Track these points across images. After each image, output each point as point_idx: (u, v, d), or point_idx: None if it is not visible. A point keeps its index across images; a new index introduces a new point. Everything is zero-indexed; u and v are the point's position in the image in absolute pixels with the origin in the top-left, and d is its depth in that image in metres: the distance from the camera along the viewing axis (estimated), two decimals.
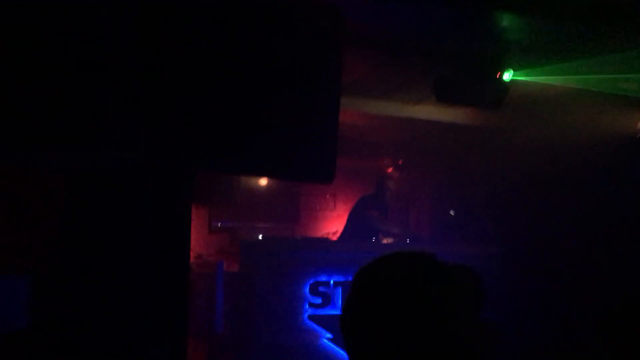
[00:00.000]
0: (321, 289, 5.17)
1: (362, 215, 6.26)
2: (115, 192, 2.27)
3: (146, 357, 2.41)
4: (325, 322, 5.13)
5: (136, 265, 2.34)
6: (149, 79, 2.17)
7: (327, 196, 8.42)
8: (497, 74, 4.37)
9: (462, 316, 1.08)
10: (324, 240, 5.77)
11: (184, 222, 2.36)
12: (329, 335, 5.11)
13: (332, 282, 5.22)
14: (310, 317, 5.10)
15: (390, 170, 8.18)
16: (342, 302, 5.21)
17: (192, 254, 6.03)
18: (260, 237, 5.83)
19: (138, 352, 2.39)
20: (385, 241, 5.95)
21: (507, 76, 4.35)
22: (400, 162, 8.00)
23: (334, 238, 6.15)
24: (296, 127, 2.64)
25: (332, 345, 5.08)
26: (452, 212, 6.49)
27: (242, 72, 2.49)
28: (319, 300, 5.14)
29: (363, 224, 6.20)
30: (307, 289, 5.13)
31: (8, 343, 2.39)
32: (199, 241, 6.13)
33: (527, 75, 4.38)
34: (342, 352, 5.16)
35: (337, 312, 5.20)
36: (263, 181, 7.52)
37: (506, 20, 3.83)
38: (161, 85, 2.23)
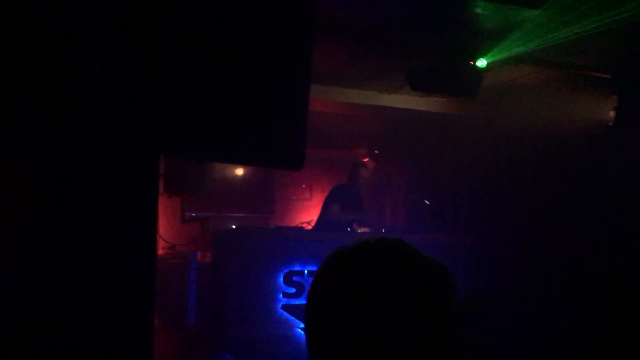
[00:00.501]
0: (295, 278, 5.13)
1: (325, 207, 6.22)
2: (78, 178, 2.20)
3: (112, 348, 2.36)
4: (299, 311, 5.10)
5: (101, 254, 2.28)
6: (112, 62, 2.10)
7: (303, 186, 8.39)
8: (470, 61, 4.36)
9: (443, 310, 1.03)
10: (298, 230, 5.72)
11: (151, 208, 2.30)
12: (303, 325, 5.09)
13: (306, 271, 5.19)
14: (284, 307, 5.07)
15: (366, 159, 8.19)
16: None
17: (165, 245, 5.96)
18: (233, 226, 5.77)
19: (104, 342, 2.33)
20: (360, 230, 5.93)
21: (481, 63, 4.35)
22: (376, 152, 8.00)
23: (309, 227, 6.11)
24: (265, 113, 2.59)
25: None
26: (426, 202, 6.50)
27: (208, 57, 2.43)
28: (292, 290, 5.11)
29: (325, 215, 6.16)
30: (280, 279, 5.09)
31: None
32: (172, 231, 6.07)
33: (499, 61, 4.37)
34: None
35: None
36: (239, 171, 7.45)
37: (479, 8, 3.81)
38: (125, 68, 2.17)
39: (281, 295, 5.08)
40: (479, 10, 3.88)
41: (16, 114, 1.92)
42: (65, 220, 2.22)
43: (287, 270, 5.12)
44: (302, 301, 5.12)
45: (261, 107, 2.58)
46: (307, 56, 2.81)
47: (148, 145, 2.16)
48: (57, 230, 2.22)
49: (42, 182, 2.21)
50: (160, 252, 5.95)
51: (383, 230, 6.13)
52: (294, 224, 6.65)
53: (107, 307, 2.29)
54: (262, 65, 2.60)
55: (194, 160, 4.57)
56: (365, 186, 6.39)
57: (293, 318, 5.07)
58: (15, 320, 2.30)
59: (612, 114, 5.13)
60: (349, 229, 5.93)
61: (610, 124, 5.10)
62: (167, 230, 5.82)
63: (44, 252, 2.22)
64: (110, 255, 2.27)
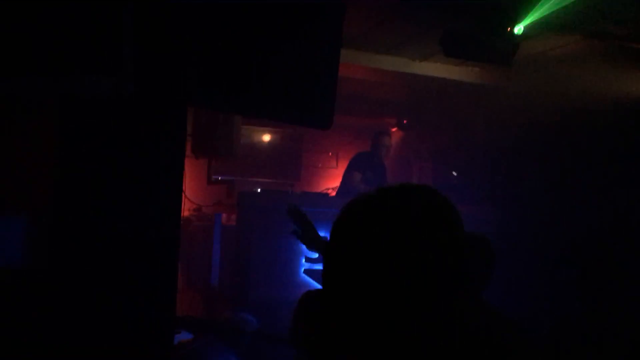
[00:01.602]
0: None
1: (347, 175, 6.19)
2: (108, 123, 2.21)
3: (135, 303, 2.39)
4: (321, 277, 5.11)
5: (129, 199, 2.30)
6: (144, 8, 2.09)
7: (330, 154, 8.35)
8: (507, 28, 4.22)
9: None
10: (323, 195, 5.70)
11: (178, 157, 2.30)
12: None
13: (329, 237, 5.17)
14: (306, 272, 5.08)
15: (394, 129, 8.10)
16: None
17: (191, 206, 6.01)
18: (259, 190, 5.78)
19: (127, 298, 2.36)
20: None
21: (518, 29, 4.20)
22: (404, 122, 7.90)
23: (334, 194, 6.09)
24: (295, 70, 2.57)
25: None
26: (454, 173, 6.41)
27: (244, 14, 2.40)
28: (315, 255, 5.11)
29: (346, 183, 6.13)
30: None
31: (3, 281, 2.36)
32: (198, 193, 6.10)
33: (537, 28, 4.21)
34: None
35: None
36: (266, 137, 7.44)
37: None
38: (156, 15, 2.15)
39: (304, 260, 5.09)
40: None
41: (48, 54, 1.92)
42: (94, 165, 2.23)
43: None
44: None
45: (292, 63, 2.55)
46: (339, 16, 2.76)
47: (176, 93, 2.15)
48: (85, 174, 2.23)
49: (73, 126, 2.22)
50: (186, 213, 6.01)
51: None
52: (319, 191, 6.64)
53: (130, 256, 2.30)
54: (294, 22, 2.56)
55: (221, 111, 4.54)
56: (387, 155, 6.33)
57: (315, 282, 5.08)
58: (42, 269, 2.34)
59: None
60: None
61: None
62: (193, 191, 5.85)
63: (72, 197, 2.24)
64: (136, 203, 2.29)
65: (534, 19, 4.10)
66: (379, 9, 4.68)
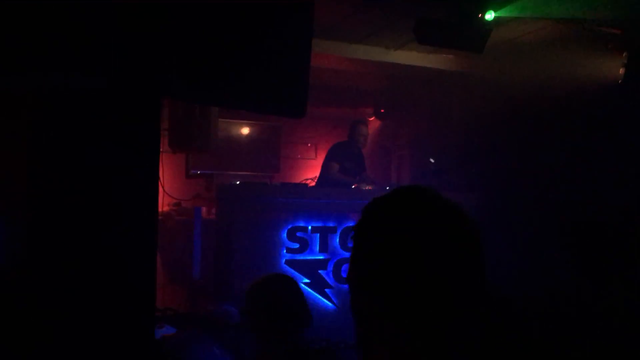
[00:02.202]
0: (299, 234, 5.16)
1: (326, 165, 6.23)
2: (82, 118, 2.19)
3: (113, 301, 2.38)
4: (302, 267, 5.15)
5: (104, 194, 2.29)
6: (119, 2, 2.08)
7: (309, 145, 8.38)
8: (479, 14, 4.27)
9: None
10: (302, 186, 5.73)
11: (153, 151, 2.29)
12: (306, 280, 5.14)
13: (309, 227, 5.21)
14: (288, 262, 5.11)
15: (371, 118, 8.14)
16: (318, 247, 5.23)
17: (170, 201, 5.99)
18: (237, 182, 5.78)
19: (105, 294, 2.35)
20: (366, 187, 5.94)
21: (490, 16, 4.26)
22: (382, 110, 7.95)
23: (314, 184, 6.12)
24: (268, 59, 2.57)
25: (309, 290, 5.12)
26: (432, 160, 6.47)
27: (216, 5, 2.40)
28: (296, 246, 5.14)
29: (325, 174, 6.17)
30: (284, 235, 5.12)
31: None
32: (177, 187, 6.08)
33: (509, 13, 4.27)
34: (319, 296, 5.20)
35: (314, 257, 5.21)
36: (244, 130, 7.43)
37: None
38: (129, 7, 2.14)
39: (285, 251, 5.12)
40: None
41: (19, 48, 1.90)
42: (67, 161, 2.22)
43: (290, 226, 5.15)
44: (305, 256, 5.16)
45: (264, 52, 2.55)
46: (310, 3, 2.76)
47: (150, 85, 2.14)
48: (58, 171, 2.22)
49: (45, 121, 2.20)
50: (165, 208, 5.98)
51: (387, 188, 6.12)
52: (298, 181, 6.66)
53: (108, 251, 2.30)
54: (265, 11, 2.57)
55: (196, 103, 4.54)
56: (365, 143, 6.37)
57: (297, 273, 5.12)
58: (18, 268, 2.32)
59: (621, 71, 5.04)
60: (353, 186, 5.94)
61: (620, 81, 5.01)
62: (171, 186, 5.83)
63: (46, 194, 2.23)
64: (111, 198, 2.28)
65: (504, 5, 4.15)
66: (351, 0, 4.70)
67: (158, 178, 2.40)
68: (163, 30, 2.19)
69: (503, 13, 4.22)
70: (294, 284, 2.39)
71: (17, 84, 1.96)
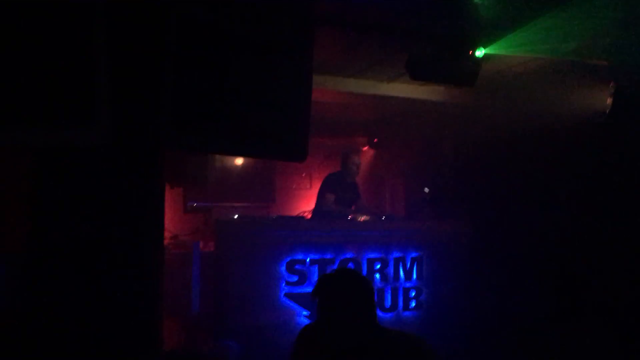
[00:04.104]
0: (297, 267, 5.21)
1: (321, 196, 6.30)
2: (84, 172, 2.25)
3: (121, 338, 2.42)
4: (301, 299, 5.18)
5: (109, 245, 2.33)
6: (117, 58, 2.15)
7: (303, 175, 8.45)
8: (469, 51, 4.39)
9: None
10: (300, 219, 5.79)
11: (157, 201, 2.35)
12: (305, 313, 5.17)
13: (308, 260, 5.26)
14: (287, 295, 5.15)
15: (365, 148, 8.24)
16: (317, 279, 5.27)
17: (167, 235, 6.02)
18: (236, 216, 5.83)
19: (112, 333, 2.39)
20: (361, 219, 6.00)
21: (480, 53, 4.39)
22: (375, 141, 8.05)
23: (309, 216, 6.18)
24: (267, 106, 2.64)
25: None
26: (426, 190, 6.56)
27: (210, 52, 2.47)
28: (295, 278, 5.18)
29: (320, 205, 6.23)
30: (283, 267, 5.17)
31: None
32: (175, 221, 6.13)
33: (498, 49, 4.41)
34: None
35: None
36: (238, 161, 7.50)
37: None
38: (128, 63, 2.21)
39: (284, 284, 5.15)
40: (477, 0, 3.91)
41: (25, 107, 1.96)
42: (71, 212, 2.26)
43: (289, 259, 5.19)
44: (304, 289, 5.20)
45: (263, 99, 2.63)
46: (309, 49, 2.85)
47: (151, 138, 2.21)
48: (62, 221, 2.26)
49: (48, 175, 2.25)
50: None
51: (383, 218, 6.20)
52: (294, 213, 6.72)
53: (117, 295, 2.34)
54: (263, 58, 2.65)
55: (196, 152, 4.62)
56: (357, 173, 6.45)
57: (296, 305, 5.15)
58: (18, 307, 2.35)
59: (609, 101, 5.17)
60: (349, 217, 6.00)
61: (607, 111, 5.14)
62: (169, 220, 5.88)
63: (49, 242, 2.27)
64: (117, 246, 2.32)
65: (494, 42, 4.28)
66: (345, 36, 4.81)
67: (163, 228, 2.46)
68: (163, 84, 2.26)
69: (492, 50, 4.35)
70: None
71: (19, 141, 2.02)
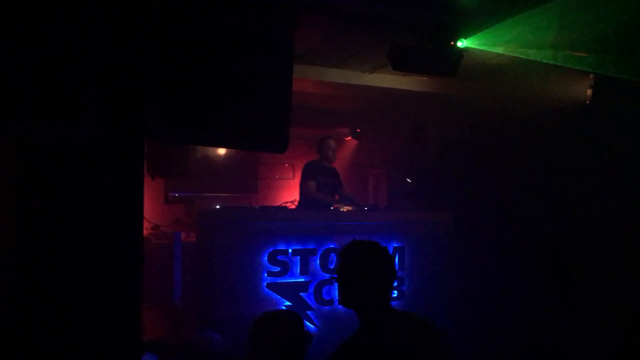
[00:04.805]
0: (280, 257, 5.21)
1: (303, 185, 6.31)
2: (66, 165, 2.24)
3: (102, 329, 2.42)
4: (283, 290, 5.19)
5: (90, 237, 2.33)
6: (103, 51, 2.14)
7: (286, 165, 8.43)
8: (451, 41, 4.40)
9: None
10: (282, 209, 5.78)
11: (137, 192, 2.34)
12: (287, 303, 5.18)
13: (290, 250, 5.26)
14: (269, 286, 5.15)
15: (348, 138, 8.24)
16: (299, 269, 5.28)
17: (148, 225, 5.98)
18: (218, 207, 5.81)
19: (93, 325, 2.39)
20: (344, 209, 6.01)
21: (461, 44, 4.40)
22: (358, 131, 8.05)
23: (293, 207, 6.17)
24: (249, 97, 2.63)
25: None
26: (408, 180, 6.58)
27: (192, 44, 2.47)
28: (277, 269, 5.18)
29: (304, 194, 6.24)
30: (265, 258, 5.16)
31: None
32: (156, 212, 6.08)
33: (479, 43, 4.42)
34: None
35: (295, 279, 5.25)
36: (220, 151, 7.46)
37: None
38: (113, 57, 2.20)
39: (266, 274, 5.15)
40: None
41: (12, 102, 1.94)
42: (54, 203, 2.25)
43: (271, 250, 5.19)
44: (286, 279, 5.21)
45: (245, 91, 2.62)
46: (289, 39, 2.84)
47: (135, 130, 2.19)
48: (46, 213, 2.25)
49: (31, 168, 2.23)
50: (144, 232, 5.96)
51: (366, 209, 6.21)
52: (277, 203, 6.71)
53: (98, 286, 2.33)
54: (244, 50, 2.64)
55: (179, 144, 4.60)
56: (334, 157, 6.44)
57: (278, 296, 5.15)
58: (7, 302, 2.34)
59: (589, 92, 5.22)
60: (332, 207, 6.01)
61: (587, 102, 5.19)
62: (150, 211, 5.82)
63: (34, 234, 2.26)
64: (98, 236, 2.32)
65: (475, 33, 4.30)
66: (327, 26, 4.79)
67: (142, 219, 2.45)
68: (149, 76, 2.25)
69: (473, 43, 4.37)
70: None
71: (5, 135, 2.00)
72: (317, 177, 6.27)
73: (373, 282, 2.32)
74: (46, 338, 2.28)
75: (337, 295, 2.41)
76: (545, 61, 4.54)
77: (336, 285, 2.40)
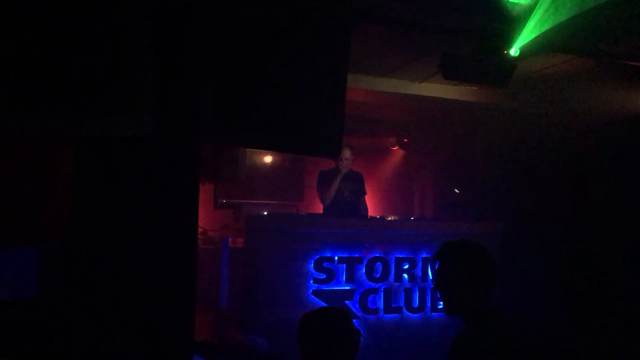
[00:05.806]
0: (325, 264, 5.22)
1: (320, 192, 6.25)
2: (125, 162, 2.28)
3: (156, 327, 2.44)
4: (329, 297, 5.19)
5: (146, 236, 2.37)
6: (160, 49, 2.18)
7: None
8: (504, 50, 4.34)
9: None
10: (328, 217, 5.79)
11: (193, 194, 2.39)
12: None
13: (336, 258, 5.26)
14: (315, 293, 5.16)
15: (395, 148, 8.20)
16: (345, 277, 5.27)
17: (198, 230, 6.09)
18: (265, 213, 5.87)
19: (148, 322, 2.42)
20: (389, 218, 5.98)
21: (514, 52, 4.33)
22: (405, 140, 8.01)
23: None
24: (304, 101, 2.65)
25: None
26: (456, 191, 6.51)
27: (249, 47, 2.49)
28: (323, 276, 5.19)
29: (323, 200, 6.16)
30: (311, 265, 5.18)
31: (17, 312, 2.42)
32: (204, 217, 6.18)
33: (532, 49, 4.34)
34: None
35: (341, 287, 5.25)
36: (268, 158, 7.55)
37: None
38: (171, 55, 2.25)
39: (312, 281, 5.17)
40: None
41: (69, 96, 2.01)
42: (110, 202, 2.31)
43: (317, 257, 5.21)
44: (332, 287, 5.21)
45: (299, 95, 2.65)
46: (346, 44, 2.86)
47: (192, 131, 2.24)
48: (101, 210, 2.31)
49: (89, 165, 2.29)
50: None
51: (412, 219, 6.17)
52: (321, 211, 6.73)
53: (151, 286, 2.37)
54: (301, 53, 2.66)
55: (233, 146, 4.66)
56: (347, 166, 6.25)
57: (323, 303, 5.16)
58: (53, 296, 2.40)
59: None
60: (378, 217, 5.98)
61: None
62: (199, 215, 5.94)
63: (88, 230, 2.31)
64: (154, 237, 2.36)
65: (529, 40, 4.22)
66: (378, 35, 4.81)
67: (197, 220, 2.48)
68: (205, 76, 2.29)
69: (527, 49, 4.29)
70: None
71: (62, 130, 2.06)
72: (323, 186, 6.19)
73: (482, 282, 2.28)
74: (96, 336, 2.31)
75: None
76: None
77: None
